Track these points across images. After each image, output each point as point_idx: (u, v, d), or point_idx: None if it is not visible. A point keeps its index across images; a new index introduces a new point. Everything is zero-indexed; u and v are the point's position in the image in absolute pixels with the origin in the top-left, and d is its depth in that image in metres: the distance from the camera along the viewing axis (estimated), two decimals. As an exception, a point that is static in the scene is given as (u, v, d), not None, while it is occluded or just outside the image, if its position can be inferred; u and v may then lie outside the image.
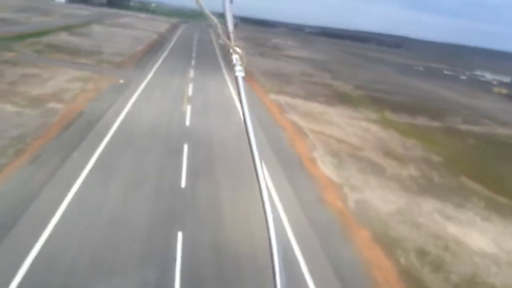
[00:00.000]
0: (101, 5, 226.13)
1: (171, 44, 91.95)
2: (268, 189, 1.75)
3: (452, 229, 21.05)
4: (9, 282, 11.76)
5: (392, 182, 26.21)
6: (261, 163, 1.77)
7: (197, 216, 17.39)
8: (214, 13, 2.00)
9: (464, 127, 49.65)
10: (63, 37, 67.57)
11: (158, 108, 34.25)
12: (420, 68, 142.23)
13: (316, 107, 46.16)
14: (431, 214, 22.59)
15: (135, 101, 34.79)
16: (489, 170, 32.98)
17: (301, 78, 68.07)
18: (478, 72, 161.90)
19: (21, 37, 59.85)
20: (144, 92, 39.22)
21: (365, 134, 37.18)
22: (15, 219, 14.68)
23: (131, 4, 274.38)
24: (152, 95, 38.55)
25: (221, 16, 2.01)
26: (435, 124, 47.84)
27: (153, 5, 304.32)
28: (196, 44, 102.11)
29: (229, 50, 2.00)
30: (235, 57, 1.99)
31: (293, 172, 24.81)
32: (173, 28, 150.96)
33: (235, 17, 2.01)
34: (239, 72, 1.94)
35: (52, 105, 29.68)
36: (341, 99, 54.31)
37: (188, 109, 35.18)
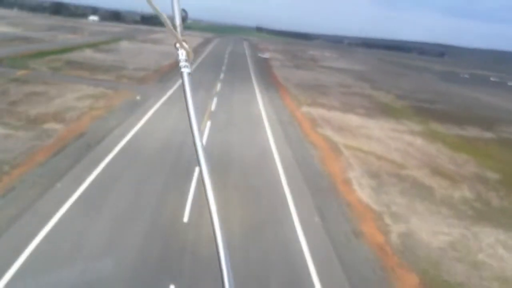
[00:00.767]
0: (135, 22, 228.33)
1: (202, 57, 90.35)
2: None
3: (523, 269, 17.07)
4: None
5: (443, 207, 22.30)
6: (208, 168, 1.66)
7: (196, 268, 14.11)
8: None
9: (521, 138, 44.92)
10: (86, 54, 66.27)
11: (173, 126, 31.34)
12: (466, 76, 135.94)
13: (353, 119, 42.45)
14: (494, 248, 18.62)
15: (148, 119, 32.08)
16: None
17: (338, 89, 64.39)
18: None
19: (41, 54, 58.83)
20: (161, 108, 36.53)
21: (409, 149, 33.26)
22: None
23: None
24: (169, 112, 35.82)
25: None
26: (488, 135, 43.28)
27: (188, 21, 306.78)
28: (228, 57, 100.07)
29: (175, 45, 1.87)
30: (181, 52, 1.87)
31: (324, 199, 21.28)
32: (206, 42, 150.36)
33: (184, 10, 1.86)
34: (185, 68, 1.85)
35: (50, 125, 27.19)
36: (381, 110, 50.37)
37: (207, 126, 32.17)
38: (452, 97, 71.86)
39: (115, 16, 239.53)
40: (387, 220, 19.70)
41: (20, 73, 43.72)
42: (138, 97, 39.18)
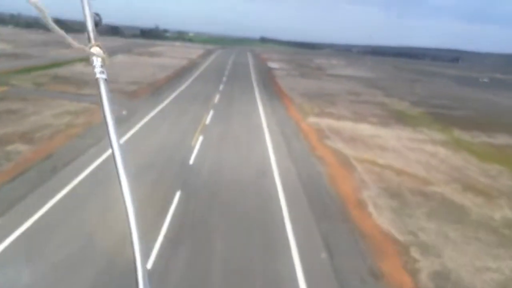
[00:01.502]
0: (134, 36, 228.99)
1: (201, 69, 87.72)
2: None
3: None
4: None
5: (482, 233, 18.41)
6: (128, 178, 1.64)
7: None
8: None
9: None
10: (77, 68, 63.23)
11: (159, 143, 27.92)
12: (485, 80, 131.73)
13: (366, 129, 38.68)
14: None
15: (131, 136, 28.74)
16: None
17: (347, 98, 60.66)
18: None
19: (27, 70, 55.98)
20: (148, 123, 33.21)
21: (433, 161, 29.40)
22: None
23: (168, 34, 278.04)
24: (158, 127, 32.47)
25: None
26: (520, 142, 39.30)
27: (190, 34, 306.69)
28: (230, 67, 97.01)
29: (86, 50, 1.81)
30: (95, 58, 1.83)
31: (333, 228, 17.52)
32: (207, 53, 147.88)
33: (97, 14, 1.78)
34: (100, 74, 1.80)
35: (14, 147, 23.77)
36: (396, 118, 46.56)
37: (199, 141, 28.66)
38: (473, 102, 67.84)
39: (113, 30, 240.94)
40: (415, 253, 15.87)
41: (-3, 90, 40.51)
42: (124, 112, 35.96)
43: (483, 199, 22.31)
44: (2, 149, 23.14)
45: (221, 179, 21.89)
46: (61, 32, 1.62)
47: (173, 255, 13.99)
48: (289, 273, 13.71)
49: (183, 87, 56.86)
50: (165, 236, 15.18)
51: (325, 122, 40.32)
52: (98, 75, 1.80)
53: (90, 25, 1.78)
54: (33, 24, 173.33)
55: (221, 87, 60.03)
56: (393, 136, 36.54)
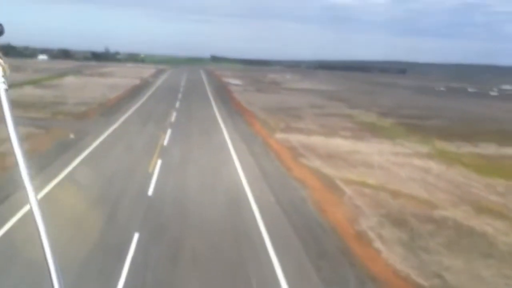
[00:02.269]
0: (86, 59, 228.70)
1: (155, 87, 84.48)
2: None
3: None
4: None
5: (519, 268, 15.00)
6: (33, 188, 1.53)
7: None
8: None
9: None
10: (24, 91, 58.50)
11: (111, 171, 23.80)
12: (442, 89, 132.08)
13: (342, 144, 35.32)
14: None
15: (79, 163, 24.66)
16: None
17: (311, 111, 57.49)
18: (507, 87, 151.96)
19: None
20: (99, 147, 29.22)
21: (428, 178, 26.14)
22: None
23: (119, 56, 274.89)
24: (110, 151, 28.45)
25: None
26: (511, 151, 36.71)
27: (141, 55, 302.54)
28: (184, 84, 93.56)
29: None
30: None
31: (336, 274, 13.79)
32: (160, 72, 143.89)
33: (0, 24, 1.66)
34: (2, 84, 1.64)
35: None
36: (370, 131, 43.52)
37: (157, 166, 24.56)
38: (442, 111, 65.97)
39: (64, 54, 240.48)
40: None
41: None
42: (71, 136, 32.13)
43: (504, 223, 18.99)
44: None
45: (187, 216, 17.83)
46: None
47: None
48: None
49: (136, 106, 52.94)
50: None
51: (295, 138, 36.76)
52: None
53: None
54: None
55: (177, 104, 56.46)
56: (373, 151, 33.25)
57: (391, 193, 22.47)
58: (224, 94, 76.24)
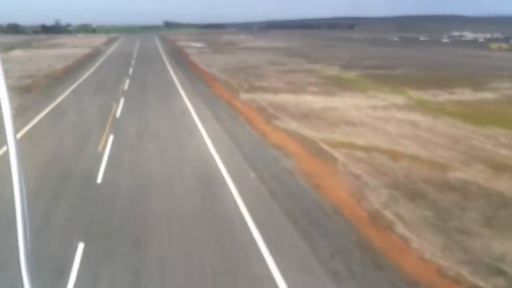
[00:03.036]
0: (35, 32, 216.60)
1: (106, 55, 77.49)
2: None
3: None
4: None
5: None
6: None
7: None
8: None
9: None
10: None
11: (53, 152, 18.56)
12: (395, 39, 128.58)
13: (313, 101, 30.72)
14: None
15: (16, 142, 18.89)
16: None
17: (272, 68, 52.47)
18: (456, 33, 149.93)
19: None
20: (38, 125, 23.64)
21: (419, 132, 21.88)
22: None
23: (70, 28, 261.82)
24: (53, 128, 23.05)
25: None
26: (489, 95, 32.90)
27: (93, 26, 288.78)
28: (138, 51, 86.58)
29: None
30: None
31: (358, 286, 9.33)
32: (112, 40, 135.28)
33: None
34: None
35: None
36: (337, 84, 39.03)
37: (109, 144, 19.45)
38: (403, 60, 62.06)
39: (14, 29, 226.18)
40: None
41: None
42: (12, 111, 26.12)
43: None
44: None
45: (148, 211, 12.90)
46: None
47: None
48: None
49: (86, 75, 46.64)
50: None
51: (261, 97, 31.93)
52: None
53: None
54: None
55: (130, 70, 50.35)
56: (348, 106, 28.81)
57: (388, 154, 18.08)
58: (180, 57, 70.11)
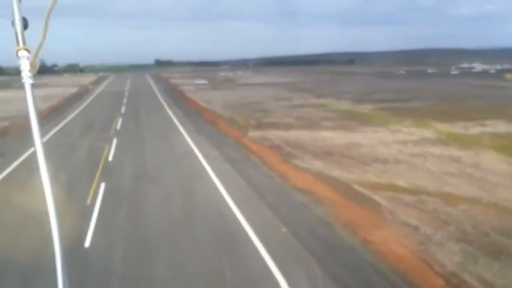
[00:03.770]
0: (18, 74, 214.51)
1: (95, 94, 75.63)
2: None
3: None
4: None
5: None
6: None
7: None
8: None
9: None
10: None
11: (30, 208, 15.59)
12: (402, 72, 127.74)
13: (332, 137, 28.29)
14: None
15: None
16: None
17: (279, 104, 50.28)
18: (465, 65, 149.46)
19: None
20: (16, 171, 20.96)
21: (468, 170, 19.34)
22: None
23: (56, 69, 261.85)
24: (31, 176, 20.08)
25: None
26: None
27: (80, 66, 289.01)
28: (129, 89, 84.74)
29: (16, 53, 1.75)
30: (23, 62, 1.76)
31: None
32: (101, 79, 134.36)
33: (24, 18, 1.70)
34: (27, 78, 1.76)
35: None
36: (353, 119, 36.74)
37: (100, 195, 16.66)
38: (416, 93, 60.23)
39: None
40: None
41: None
42: None
43: None
44: None
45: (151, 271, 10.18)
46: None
47: None
48: None
49: (73, 114, 44.51)
50: None
51: (273, 134, 29.57)
52: (24, 79, 1.72)
53: (19, 28, 1.69)
54: None
55: (123, 109, 48.21)
56: (374, 142, 26.39)
57: (440, 197, 15.52)
58: (176, 95, 67.99)
